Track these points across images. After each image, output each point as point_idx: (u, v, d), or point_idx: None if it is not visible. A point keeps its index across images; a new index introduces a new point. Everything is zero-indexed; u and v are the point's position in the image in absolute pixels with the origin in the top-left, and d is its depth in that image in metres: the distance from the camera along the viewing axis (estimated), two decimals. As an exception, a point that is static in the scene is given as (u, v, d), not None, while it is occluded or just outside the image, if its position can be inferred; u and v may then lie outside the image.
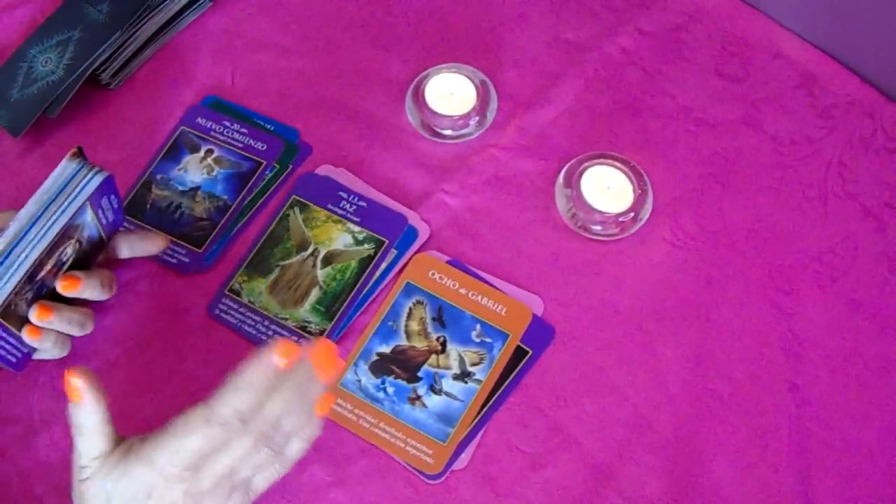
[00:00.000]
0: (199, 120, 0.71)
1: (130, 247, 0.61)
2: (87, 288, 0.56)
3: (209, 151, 0.69)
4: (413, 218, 0.66)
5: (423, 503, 0.57)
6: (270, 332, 0.62)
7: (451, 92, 0.69)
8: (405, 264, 0.64)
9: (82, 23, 0.70)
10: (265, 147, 0.69)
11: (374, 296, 0.63)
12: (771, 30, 0.73)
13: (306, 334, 0.62)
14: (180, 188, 0.68)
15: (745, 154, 0.68)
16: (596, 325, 0.62)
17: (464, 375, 0.60)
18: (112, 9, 0.70)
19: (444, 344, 0.61)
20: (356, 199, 0.67)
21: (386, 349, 0.61)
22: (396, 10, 0.76)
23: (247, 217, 0.67)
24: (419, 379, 0.60)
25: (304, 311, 0.63)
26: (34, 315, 0.54)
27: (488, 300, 0.63)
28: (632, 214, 0.64)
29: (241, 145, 0.69)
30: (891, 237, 0.65)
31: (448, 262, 0.64)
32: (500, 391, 0.60)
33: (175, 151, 0.70)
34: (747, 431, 0.59)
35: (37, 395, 0.61)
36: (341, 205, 0.66)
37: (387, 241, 0.65)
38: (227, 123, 0.70)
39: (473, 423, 0.59)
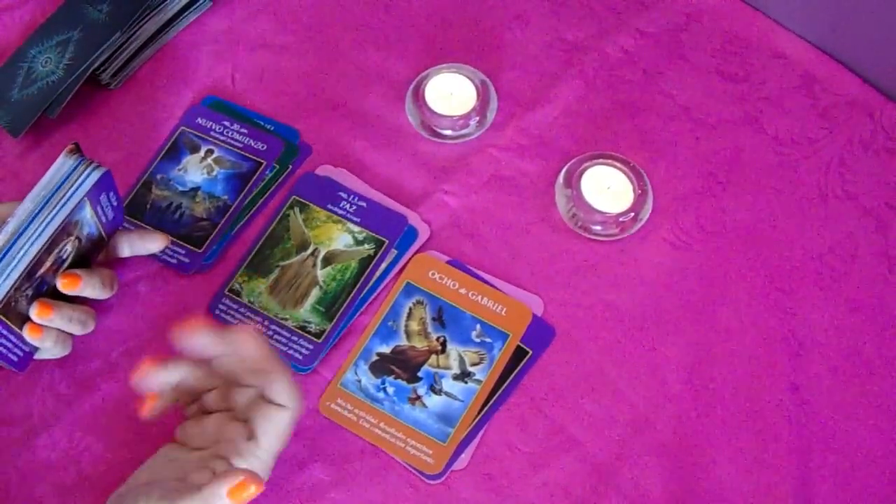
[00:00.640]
0: (199, 120, 0.71)
1: (131, 245, 0.61)
2: (88, 286, 0.56)
3: (209, 151, 0.69)
4: (413, 218, 0.66)
5: (423, 503, 0.57)
6: (271, 332, 0.62)
7: (451, 92, 0.69)
8: (405, 264, 0.64)
9: (82, 23, 0.70)
10: (265, 147, 0.69)
11: (374, 296, 0.63)
12: (771, 30, 0.73)
13: (306, 334, 0.62)
14: (180, 188, 0.68)
15: (745, 154, 0.68)
16: (596, 325, 0.62)
17: (464, 375, 0.60)
18: (112, 9, 0.70)
19: (444, 344, 0.61)
20: (356, 199, 0.67)
21: (386, 349, 0.61)
22: (396, 10, 0.76)
23: (247, 217, 0.67)
24: (419, 379, 0.60)
25: (304, 311, 0.63)
26: (35, 312, 0.54)
27: (488, 300, 0.63)
28: (632, 214, 0.64)
29: (241, 145, 0.69)
30: (891, 237, 0.65)
31: (448, 262, 0.64)
32: (500, 391, 0.60)
33: (175, 151, 0.70)
34: (747, 431, 0.59)
35: (37, 395, 0.61)
36: (341, 205, 0.66)
37: (387, 241, 0.65)
38: (227, 123, 0.70)
39: (473, 423, 0.59)
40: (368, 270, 0.64)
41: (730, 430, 0.59)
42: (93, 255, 0.59)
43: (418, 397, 0.60)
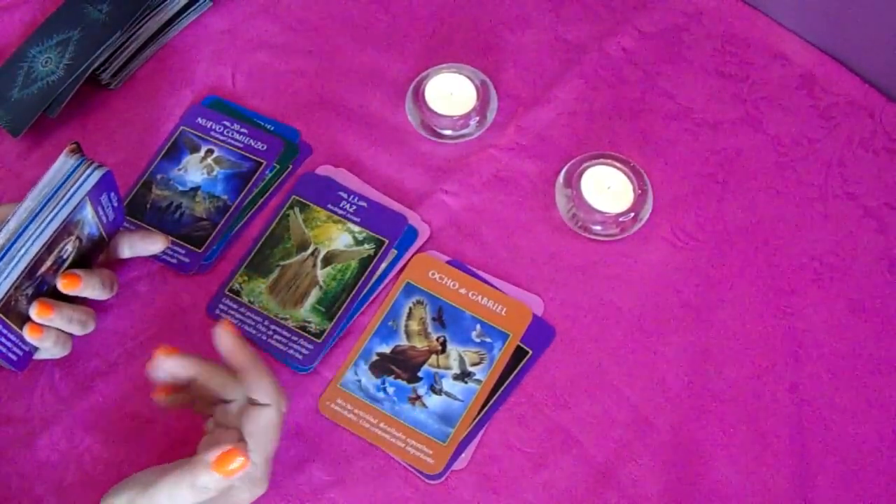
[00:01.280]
0: (199, 120, 0.71)
1: (131, 246, 0.61)
2: (88, 286, 0.56)
3: (209, 151, 0.69)
4: (413, 218, 0.66)
5: (423, 503, 0.57)
6: (270, 332, 0.62)
7: (451, 92, 0.69)
8: (405, 264, 0.64)
9: (82, 23, 0.70)
10: (265, 147, 0.69)
11: (374, 296, 0.63)
12: (771, 30, 0.73)
13: (306, 334, 0.62)
14: (180, 188, 0.68)
15: (745, 154, 0.68)
16: (596, 325, 0.62)
17: (464, 375, 0.60)
18: (112, 9, 0.70)
19: (444, 344, 0.61)
20: (356, 199, 0.67)
21: (386, 349, 0.61)
22: (396, 10, 0.76)
23: (247, 217, 0.67)
24: (419, 379, 0.60)
25: (304, 311, 0.63)
26: (35, 312, 0.54)
27: (488, 300, 0.63)
28: (632, 214, 0.64)
29: (241, 145, 0.69)
30: (891, 237, 0.65)
31: (448, 262, 0.64)
32: (500, 391, 0.60)
33: (175, 151, 0.70)
34: (747, 431, 0.59)
35: (37, 395, 0.61)
36: (341, 205, 0.66)
37: (387, 241, 0.65)
38: (227, 123, 0.70)
39: (473, 423, 0.59)
40: (368, 270, 0.64)
41: (730, 430, 0.59)
42: (93, 256, 0.59)
43: (418, 397, 0.60)
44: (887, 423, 0.59)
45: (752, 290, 0.63)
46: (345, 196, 0.67)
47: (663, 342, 0.62)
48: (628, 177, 0.65)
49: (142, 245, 0.61)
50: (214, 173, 0.68)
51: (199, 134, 0.70)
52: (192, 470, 0.47)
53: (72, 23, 0.71)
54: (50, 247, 0.53)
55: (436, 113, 0.68)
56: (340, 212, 0.66)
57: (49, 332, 0.56)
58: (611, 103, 0.71)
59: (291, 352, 0.61)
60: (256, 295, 0.63)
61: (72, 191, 0.52)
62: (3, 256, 0.51)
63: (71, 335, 0.58)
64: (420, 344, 0.61)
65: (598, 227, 0.65)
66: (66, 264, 0.56)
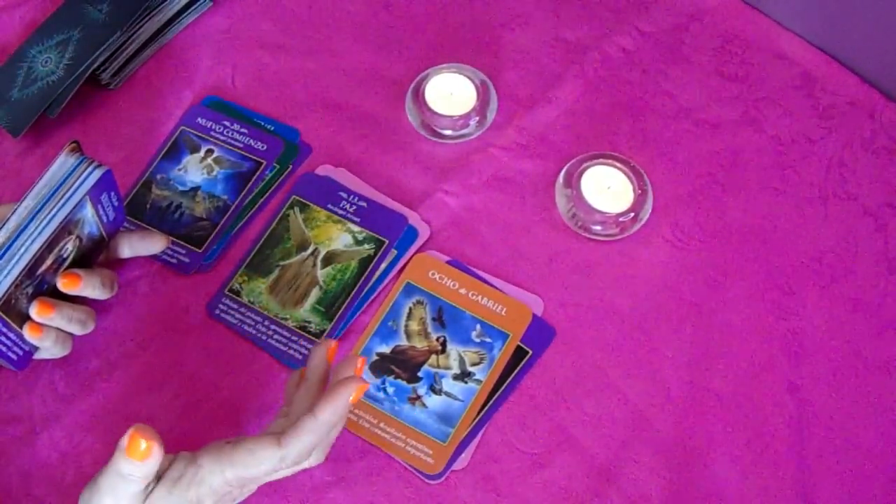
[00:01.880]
0: (199, 120, 0.71)
1: (131, 246, 0.61)
2: (88, 286, 0.56)
3: (209, 151, 0.69)
4: (413, 218, 0.66)
5: (423, 503, 0.57)
6: (270, 332, 0.62)
7: (451, 92, 0.69)
8: (405, 264, 0.64)
9: (82, 23, 0.70)
10: (265, 147, 0.69)
11: (374, 296, 0.63)
12: (771, 30, 0.73)
13: (306, 334, 0.62)
14: (180, 188, 0.68)
15: (745, 154, 0.68)
16: (596, 325, 0.62)
17: (464, 375, 0.60)
18: (112, 9, 0.70)
19: (444, 344, 0.61)
20: (356, 199, 0.67)
21: (386, 349, 0.61)
22: (396, 10, 0.76)
23: (247, 217, 0.67)
24: (419, 379, 0.60)
25: (304, 311, 0.63)
26: (35, 311, 0.54)
27: (488, 300, 0.63)
28: (632, 214, 0.64)
29: (241, 145, 0.69)
30: (891, 237, 0.65)
31: (448, 262, 0.64)
32: (500, 391, 0.60)
33: (175, 151, 0.70)
34: (747, 431, 0.59)
35: (37, 395, 0.61)
36: (341, 205, 0.66)
37: (387, 241, 0.65)
38: (227, 123, 0.70)
39: (473, 423, 0.59)
40: (368, 270, 0.64)
41: (730, 430, 0.59)
42: (93, 255, 0.59)
43: (418, 397, 0.60)
44: (887, 423, 0.59)
45: (752, 290, 0.63)
46: (345, 196, 0.67)
47: (663, 342, 0.62)
48: (628, 177, 0.65)
49: (142, 245, 0.61)
50: (214, 173, 0.68)
51: (199, 134, 0.70)
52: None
53: (72, 23, 0.71)
54: (50, 246, 0.53)
55: (436, 113, 0.68)
56: (340, 212, 0.66)
57: (49, 332, 0.56)
58: (611, 103, 0.71)
59: (291, 352, 0.61)
60: (256, 295, 0.63)
61: (72, 190, 0.52)
62: (3, 255, 0.51)
63: (71, 335, 0.58)
64: (420, 344, 0.61)
65: (598, 227, 0.65)
66: (66, 263, 0.56)
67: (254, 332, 0.62)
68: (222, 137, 0.70)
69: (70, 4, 0.72)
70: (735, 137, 0.69)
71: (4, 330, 0.54)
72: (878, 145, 0.68)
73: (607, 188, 0.65)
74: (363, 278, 0.63)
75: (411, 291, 0.63)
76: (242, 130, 0.70)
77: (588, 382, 0.60)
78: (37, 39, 0.71)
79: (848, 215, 0.66)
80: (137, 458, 0.45)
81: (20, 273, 0.52)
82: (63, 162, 0.52)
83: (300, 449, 0.47)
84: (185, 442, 0.58)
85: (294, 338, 0.62)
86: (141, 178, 0.69)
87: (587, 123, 0.70)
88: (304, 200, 0.67)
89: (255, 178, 0.68)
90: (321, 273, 0.64)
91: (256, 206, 0.67)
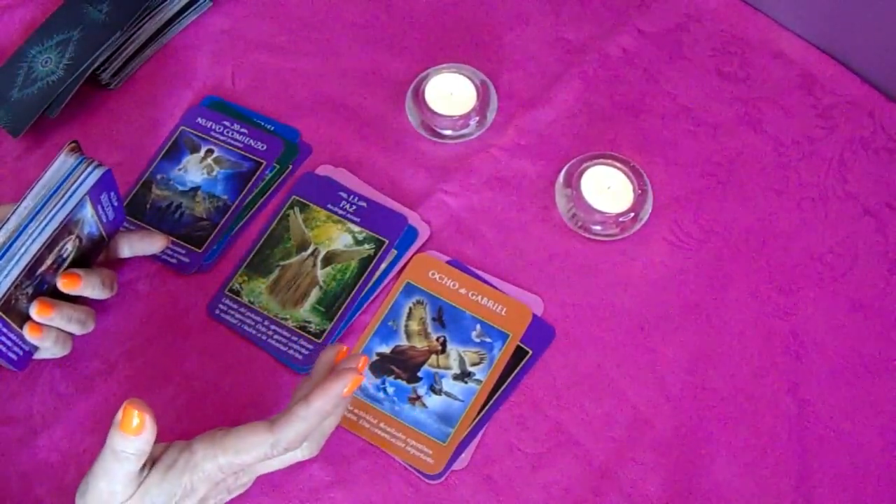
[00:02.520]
0: (199, 120, 0.71)
1: (131, 246, 0.61)
2: (88, 286, 0.56)
3: (209, 151, 0.69)
4: (413, 218, 0.66)
5: (423, 503, 0.57)
6: (270, 332, 0.62)
7: (451, 92, 0.69)
8: (405, 264, 0.64)
9: (82, 23, 0.70)
10: (265, 147, 0.69)
11: (374, 296, 0.63)
12: (771, 30, 0.73)
13: (306, 334, 0.62)
14: (180, 188, 0.68)
15: (745, 154, 0.68)
16: (596, 325, 0.62)
17: (464, 375, 0.60)
18: (112, 9, 0.70)
19: (444, 344, 0.61)
20: (356, 199, 0.67)
21: (386, 349, 0.61)
22: (396, 10, 0.76)
23: (247, 217, 0.67)
24: (419, 379, 0.60)
25: (304, 311, 0.63)
26: (35, 311, 0.54)
27: (488, 300, 0.62)
28: (632, 214, 0.64)
29: (241, 145, 0.69)
30: (891, 237, 0.65)
31: (448, 262, 0.64)
32: (500, 391, 0.60)
33: (175, 151, 0.70)
34: (747, 431, 0.59)
35: (37, 395, 0.61)
36: (341, 205, 0.66)
37: (387, 241, 0.65)
38: (227, 123, 0.70)
39: (473, 423, 0.59)
40: (368, 270, 0.64)
41: (730, 430, 0.59)
42: (93, 255, 0.59)
43: (418, 397, 0.60)
44: (887, 423, 0.59)
45: (753, 290, 0.63)
46: (345, 196, 0.67)
47: (663, 342, 0.62)
48: (628, 177, 0.65)
49: (141, 245, 0.61)
50: (214, 173, 0.68)
51: (199, 134, 0.70)
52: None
53: (72, 23, 0.71)
54: (50, 246, 0.53)
55: (436, 113, 0.68)
56: (340, 212, 0.66)
57: (49, 332, 0.56)
58: (611, 103, 0.71)
59: (291, 352, 0.61)
60: (256, 295, 0.63)
61: (72, 190, 0.52)
62: (3, 255, 0.51)
63: (71, 334, 0.58)
64: (420, 344, 0.61)
65: (598, 227, 0.65)
66: (66, 263, 0.56)
67: (254, 332, 0.62)
68: (222, 137, 0.70)
69: (70, 4, 0.72)
70: (735, 137, 0.69)
71: (4, 330, 0.54)
72: (878, 145, 0.68)
73: (607, 188, 0.65)
74: (363, 278, 0.63)
75: (411, 291, 0.63)
76: (242, 130, 0.70)
77: (588, 382, 0.60)
78: (37, 39, 0.71)
79: (848, 215, 0.66)
80: (131, 432, 0.45)
81: (20, 273, 0.52)
82: (63, 162, 0.52)
83: (291, 436, 0.47)
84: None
85: (294, 338, 0.62)
86: (141, 178, 0.69)
87: (587, 123, 0.70)
88: (304, 200, 0.67)
89: (255, 178, 0.68)
90: (321, 273, 0.64)
91: (256, 206, 0.67)
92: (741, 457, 0.58)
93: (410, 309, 0.63)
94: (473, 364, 0.61)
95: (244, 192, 0.67)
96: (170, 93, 0.73)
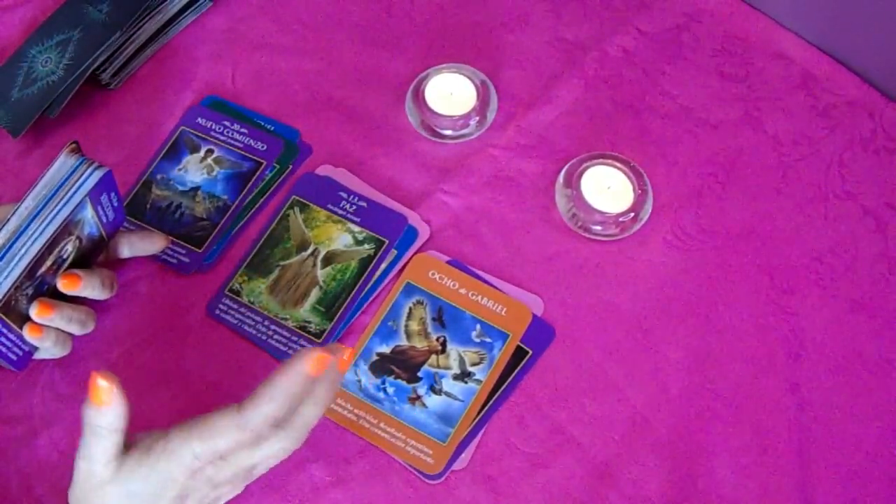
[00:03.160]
0: (200, 120, 0.71)
1: (131, 246, 0.61)
2: (88, 286, 0.56)
3: (209, 151, 0.69)
4: (413, 218, 0.66)
5: (423, 503, 0.57)
6: (270, 332, 0.62)
7: (451, 92, 0.69)
8: (405, 264, 0.64)
9: (82, 23, 0.70)
10: (265, 147, 0.69)
11: (374, 296, 0.63)
12: (771, 30, 0.73)
13: (306, 334, 0.62)
14: (180, 188, 0.68)
15: (745, 154, 0.68)
16: (596, 325, 0.62)
17: (464, 375, 0.60)
18: (112, 9, 0.70)
19: (444, 344, 0.61)
20: (356, 199, 0.67)
21: (386, 349, 0.61)
22: (396, 10, 0.76)
23: (247, 217, 0.67)
24: (419, 379, 0.60)
25: (304, 311, 0.63)
26: (35, 312, 0.54)
27: (488, 300, 0.63)
28: (632, 214, 0.64)
29: (241, 145, 0.69)
30: (891, 237, 0.65)
31: (448, 262, 0.64)
32: (500, 391, 0.60)
33: (175, 151, 0.70)
34: (747, 431, 0.59)
35: (37, 395, 0.61)
36: (341, 205, 0.66)
37: (387, 241, 0.65)
38: (227, 123, 0.70)
39: (473, 423, 0.59)
40: (368, 270, 0.64)
41: (730, 430, 0.59)
42: (93, 256, 0.59)
43: (418, 397, 0.60)
44: (887, 423, 0.59)
45: (752, 290, 0.63)
46: (345, 196, 0.67)
47: (663, 342, 0.62)
48: (628, 177, 0.65)
49: (141, 244, 0.61)
50: (214, 173, 0.68)
51: (199, 134, 0.70)
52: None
53: (72, 23, 0.71)
54: (50, 246, 0.53)
55: (436, 113, 0.68)
56: (340, 212, 0.66)
57: (49, 332, 0.56)
58: (611, 103, 0.71)
59: (291, 352, 0.61)
60: (256, 295, 0.63)
61: (72, 191, 0.52)
62: (3, 256, 0.51)
63: (71, 335, 0.58)
64: (420, 344, 0.61)
65: (598, 227, 0.65)
66: (66, 264, 0.56)
67: (254, 332, 0.62)
68: (222, 137, 0.70)
69: (70, 4, 0.72)
70: (735, 137, 0.69)
71: (4, 331, 0.54)
72: (878, 145, 0.68)
73: (607, 188, 0.65)
74: (363, 278, 0.63)
75: (411, 291, 0.63)
76: (242, 130, 0.70)
77: (588, 382, 0.60)
78: (37, 39, 0.71)
79: (848, 215, 0.66)
80: (99, 402, 0.45)
81: (20, 274, 0.52)
82: (63, 163, 0.52)
83: (259, 418, 0.46)
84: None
85: (294, 338, 0.62)
86: (141, 178, 0.69)
87: (587, 123, 0.70)
88: (304, 200, 0.67)
89: (255, 178, 0.68)
90: (321, 273, 0.64)
91: (256, 206, 0.67)
92: (741, 457, 0.58)
93: (410, 309, 0.63)
94: (473, 364, 0.61)
95: (244, 192, 0.67)
96: (170, 93, 0.73)
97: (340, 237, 0.65)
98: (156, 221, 0.67)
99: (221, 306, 0.63)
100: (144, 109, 0.72)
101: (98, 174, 0.53)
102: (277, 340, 0.62)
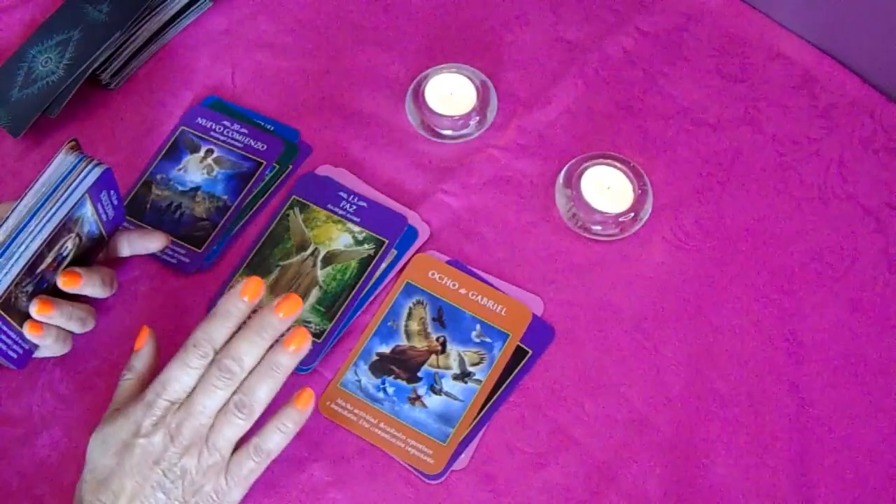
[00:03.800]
0: (199, 120, 0.71)
1: (130, 244, 0.61)
2: (88, 284, 0.56)
3: (209, 151, 0.69)
4: (413, 218, 0.66)
5: (423, 503, 0.57)
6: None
7: (451, 92, 0.69)
8: (405, 264, 0.64)
9: (82, 23, 0.70)
10: (265, 147, 0.69)
11: (374, 296, 0.63)
12: (771, 30, 0.73)
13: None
14: (180, 188, 0.68)
15: (745, 154, 0.68)
16: (596, 325, 0.62)
17: (464, 375, 0.60)
18: (112, 9, 0.70)
19: (444, 344, 0.61)
20: (356, 199, 0.67)
21: (386, 349, 0.61)
22: (396, 10, 0.76)
23: (247, 217, 0.67)
24: (419, 379, 0.60)
25: (304, 311, 0.63)
26: (35, 309, 0.54)
27: (488, 300, 0.62)
28: (632, 214, 0.64)
29: (241, 145, 0.69)
30: (891, 237, 0.65)
31: (448, 263, 0.64)
32: (500, 391, 0.60)
33: (175, 151, 0.70)
34: (747, 431, 0.59)
35: (37, 395, 0.60)
36: (341, 205, 0.66)
37: (387, 242, 0.65)
38: (227, 123, 0.70)
39: (473, 423, 0.59)
40: (368, 270, 0.64)
41: (730, 430, 0.59)
42: (93, 254, 0.59)
43: (418, 397, 0.60)
44: (887, 423, 0.59)
45: (752, 290, 0.63)
46: (345, 196, 0.67)
47: (663, 342, 0.62)
48: (628, 177, 0.65)
49: (141, 243, 0.61)
50: (214, 173, 0.68)
51: (199, 134, 0.70)
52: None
53: (72, 23, 0.71)
54: (50, 244, 0.53)
55: (436, 113, 0.68)
56: (340, 212, 0.66)
57: (49, 330, 0.56)
58: (611, 103, 0.71)
59: (291, 352, 0.61)
60: (256, 295, 0.63)
61: (71, 188, 0.52)
62: (3, 253, 0.51)
63: (71, 333, 0.58)
64: (420, 344, 0.61)
65: (598, 227, 0.65)
66: (66, 262, 0.56)
67: (254, 331, 0.62)
68: (222, 137, 0.70)
69: (70, 4, 0.72)
70: (735, 137, 0.69)
71: (4, 328, 0.54)
72: (878, 145, 0.68)
73: (607, 188, 0.65)
74: (363, 278, 0.63)
75: (411, 291, 0.63)
76: (242, 130, 0.70)
77: (588, 382, 0.60)
78: (37, 39, 0.71)
79: (848, 215, 0.66)
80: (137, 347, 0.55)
81: (20, 271, 0.52)
82: (62, 160, 0.52)
83: (201, 335, 0.52)
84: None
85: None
86: (141, 178, 0.69)
87: (587, 123, 0.70)
88: (304, 200, 0.67)
89: (255, 178, 0.68)
90: (321, 273, 0.64)
91: (256, 206, 0.67)
92: (741, 457, 0.58)
93: (410, 309, 0.63)
94: (473, 364, 0.61)
95: (244, 192, 0.67)
96: (170, 93, 0.73)
97: (340, 237, 0.65)
98: (156, 221, 0.67)
99: (221, 306, 0.63)
100: (144, 109, 0.72)
101: (97, 171, 0.53)
102: (278, 340, 0.62)
